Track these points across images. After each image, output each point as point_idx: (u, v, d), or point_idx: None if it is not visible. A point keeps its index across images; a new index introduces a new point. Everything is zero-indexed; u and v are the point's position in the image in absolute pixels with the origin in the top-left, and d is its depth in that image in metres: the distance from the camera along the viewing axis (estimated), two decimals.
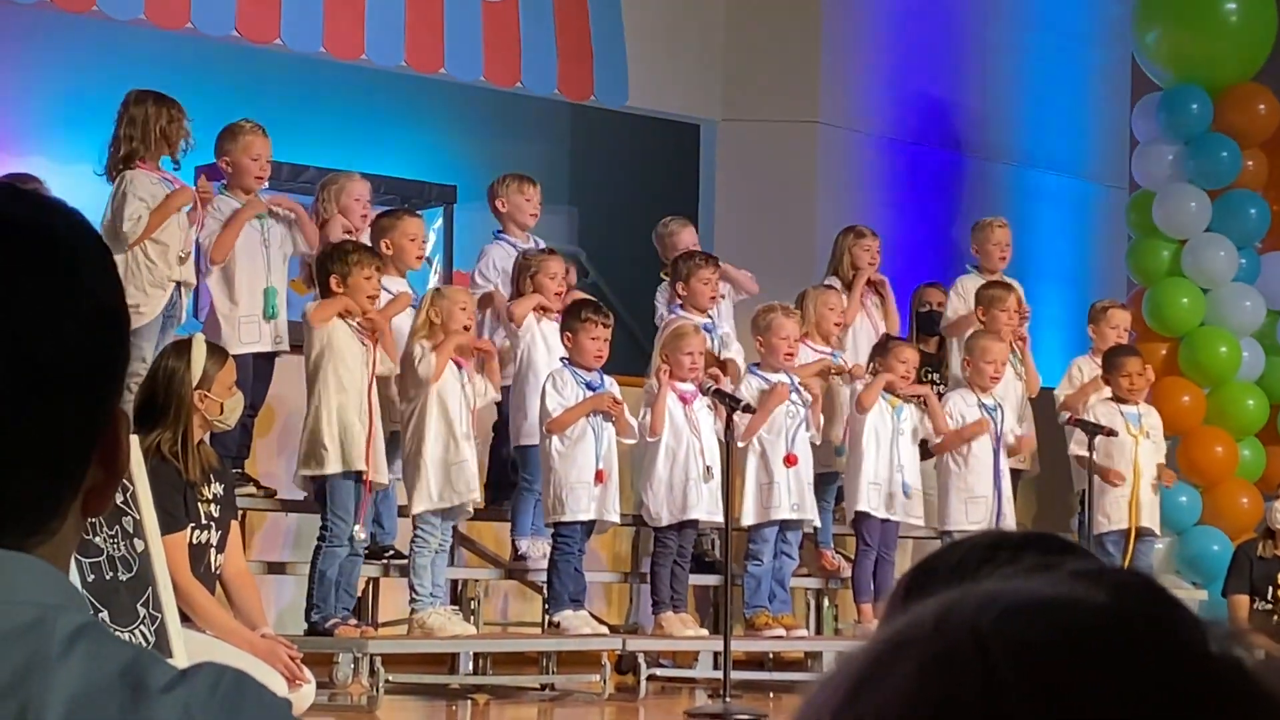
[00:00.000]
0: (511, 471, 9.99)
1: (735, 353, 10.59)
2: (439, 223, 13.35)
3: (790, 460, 10.12)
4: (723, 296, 10.77)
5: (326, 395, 8.77)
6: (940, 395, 10.92)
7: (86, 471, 1.38)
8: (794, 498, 10.15)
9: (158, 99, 8.99)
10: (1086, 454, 10.67)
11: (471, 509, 9.33)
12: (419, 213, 10.26)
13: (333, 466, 8.74)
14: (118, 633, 6.22)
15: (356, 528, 8.82)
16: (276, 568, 9.63)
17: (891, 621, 0.92)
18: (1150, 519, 11.28)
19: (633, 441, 9.76)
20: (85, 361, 1.37)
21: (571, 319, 9.54)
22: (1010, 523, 10.63)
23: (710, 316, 10.47)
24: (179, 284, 9.00)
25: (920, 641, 0.88)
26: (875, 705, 0.87)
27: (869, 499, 10.49)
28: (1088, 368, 11.46)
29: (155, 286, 8.84)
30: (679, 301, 10.48)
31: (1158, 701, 0.85)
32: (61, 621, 1.30)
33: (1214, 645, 0.88)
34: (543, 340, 9.86)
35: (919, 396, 10.64)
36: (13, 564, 1.34)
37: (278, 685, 6.86)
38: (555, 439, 9.44)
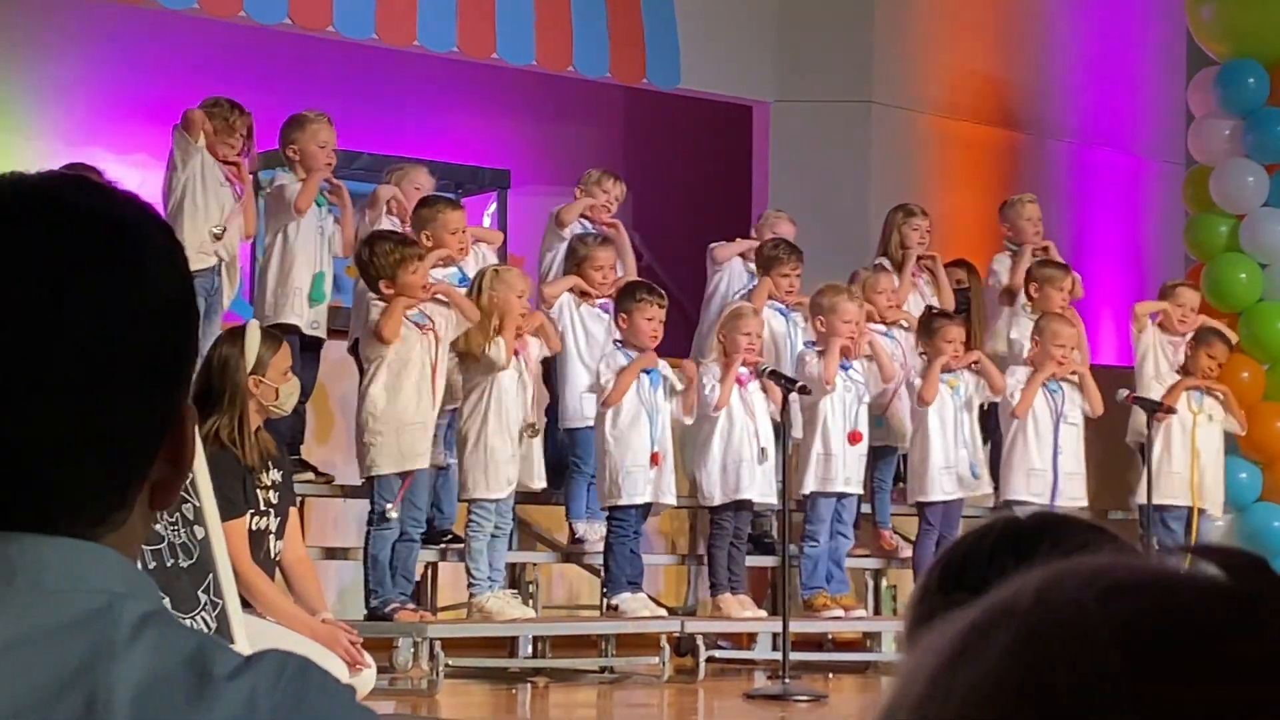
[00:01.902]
0: (564, 453, 10.01)
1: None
2: (493, 207, 13.36)
3: (855, 438, 10.16)
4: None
5: (384, 393, 8.76)
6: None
7: (152, 465, 1.39)
8: (848, 471, 10.19)
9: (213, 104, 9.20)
10: (1144, 433, 10.67)
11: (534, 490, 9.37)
12: (459, 203, 10.24)
13: (393, 465, 8.75)
14: (179, 619, 6.26)
15: (389, 506, 8.84)
16: (335, 553, 9.67)
17: (922, 615, 0.91)
18: (1211, 500, 11.25)
19: (691, 421, 9.76)
20: (152, 354, 1.38)
21: (626, 299, 9.55)
22: (1068, 500, 10.62)
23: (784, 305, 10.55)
24: (219, 264, 9.07)
25: (1021, 613, 0.86)
26: (972, 677, 0.86)
27: (943, 486, 10.46)
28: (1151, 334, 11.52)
29: (194, 249, 8.93)
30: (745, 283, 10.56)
31: (1265, 685, 0.83)
32: (128, 608, 1.31)
33: None
34: (581, 325, 9.87)
35: (973, 363, 10.61)
36: (81, 552, 1.35)
37: (338, 670, 6.89)
38: (609, 423, 9.45)
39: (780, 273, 10.48)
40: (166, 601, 6.21)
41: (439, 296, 8.91)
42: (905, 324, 10.91)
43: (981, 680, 0.85)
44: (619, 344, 9.58)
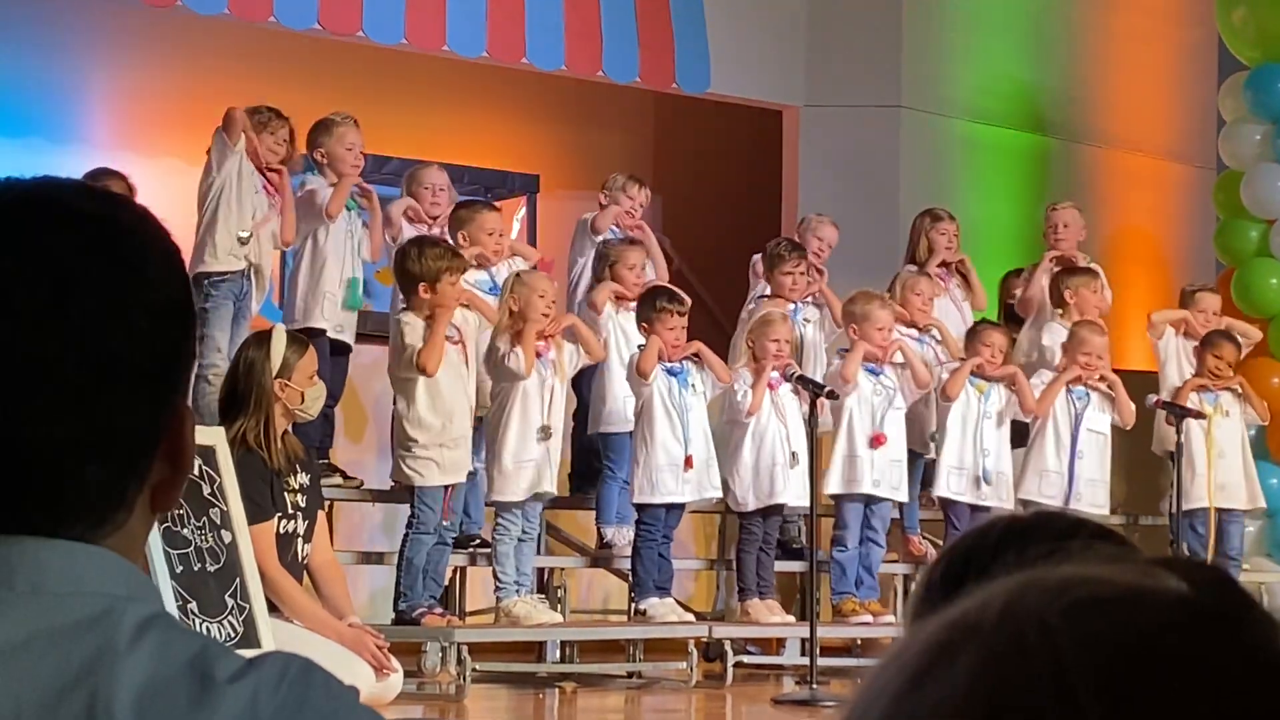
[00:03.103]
0: (595, 459, 10.01)
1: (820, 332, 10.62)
2: (522, 212, 13.37)
3: (878, 440, 10.14)
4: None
5: (419, 402, 8.75)
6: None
7: (151, 466, 1.39)
8: (876, 473, 10.16)
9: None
10: (1173, 441, 10.66)
11: (548, 497, 9.34)
12: (497, 205, 10.28)
13: (431, 479, 8.74)
14: (206, 623, 6.27)
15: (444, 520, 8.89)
16: (364, 557, 9.68)
17: (924, 613, 0.89)
18: (1240, 496, 11.21)
19: (724, 386, 9.75)
20: (151, 353, 1.38)
21: (647, 309, 9.54)
22: (1088, 506, 10.61)
23: (794, 304, 10.51)
24: (249, 268, 9.05)
25: (985, 631, 0.85)
26: (936, 699, 0.84)
27: (950, 484, 10.47)
28: (1174, 343, 11.48)
29: (225, 251, 8.93)
30: (767, 290, 10.52)
31: (1229, 704, 0.83)
32: (130, 612, 1.31)
33: None
34: (620, 331, 9.87)
35: (1008, 377, 10.58)
36: (81, 555, 1.35)
37: (366, 674, 6.90)
38: (643, 423, 9.44)
39: (783, 271, 10.45)
40: (194, 605, 6.24)
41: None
42: (937, 333, 10.85)
43: (946, 701, 0.84)
44: (642, 349, 9.56)
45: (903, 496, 10.39)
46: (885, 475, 10.25)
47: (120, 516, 1.38)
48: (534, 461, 9.11)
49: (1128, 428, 10.84)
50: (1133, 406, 10.78)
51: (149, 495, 1.40)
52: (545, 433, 9.20)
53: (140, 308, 1.38)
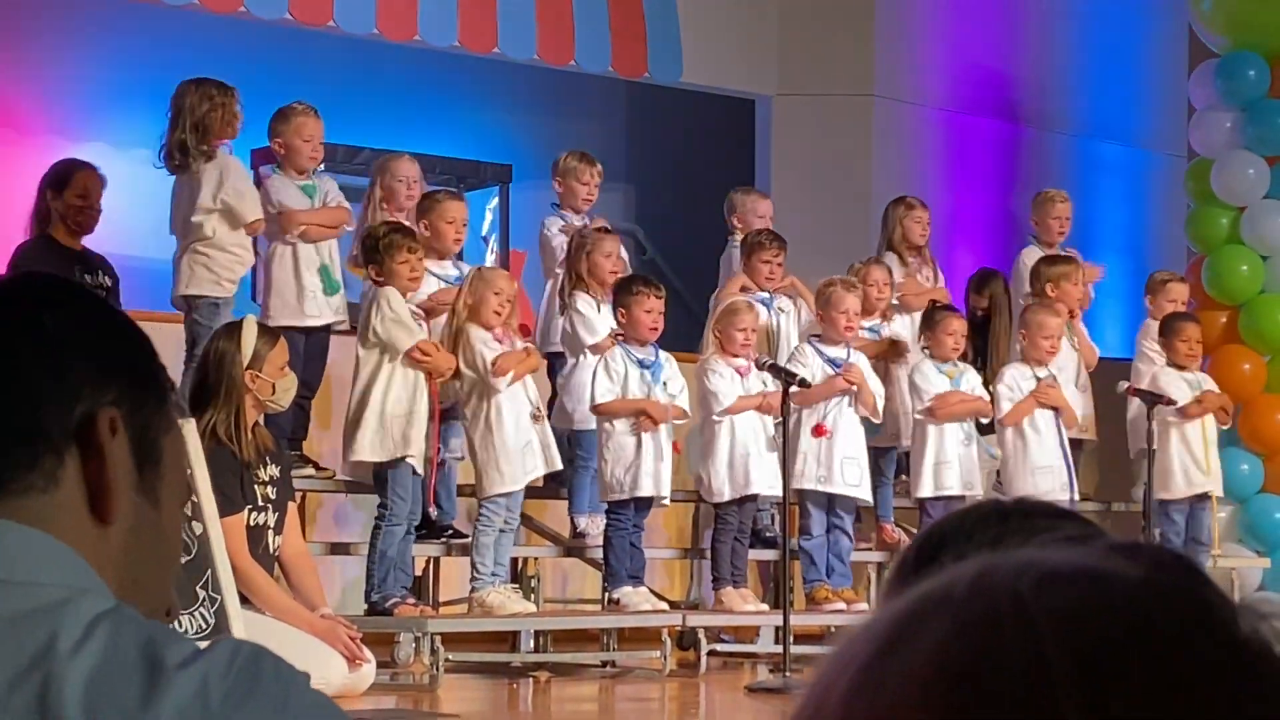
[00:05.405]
0: (568, 447, 9.99)
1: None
2: (494, 202, 13.37)
3: (819, 431, 10.06)
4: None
5: (382, 382, 8.75)
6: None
7: (33, 459, 1.41)
8: (821, 469, 10.08)
9: (200, 85, 8.98)
10: (1146, 425, 10.67)
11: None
12: (462, 195, 10.24)
13: (383, 454, 8.72)
14: (180, 615, 6.27)
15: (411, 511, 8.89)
16: (336, 548, 9.66)
17: (898, 591, 0.90)
18: (1214, 484, 11.24)
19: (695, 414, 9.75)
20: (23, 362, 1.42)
21: (624, 293, 9.52)
22: (1076, 493, 10.62)
23: (768, 292, 10.50)
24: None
25: (956, 601, 0.85)
26: (908, 663, 0.84)
27: (941, 480, 10.42)
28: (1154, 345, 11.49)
29: (230, 281, 8.86)
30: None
31: (1191, 679, 0.84)
32: (85, 604, 1.32)
33: (1244, 626, 0.87)
34: (597, 329, 9.84)
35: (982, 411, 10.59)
36: (39, 544, 1.36)
37: (338, 665, 6.90)
38: (612, 421, 9.44)
39: (762, 259, 10.44)
40: None
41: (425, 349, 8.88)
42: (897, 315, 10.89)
43: (916, 670, 0.84)
44: (620, 337, 9.56)
45: (864, 494, 10.27)
46: (840, 472, 10.10)
47: (29, 503, 1.39)
48: (529, 447, 9.10)
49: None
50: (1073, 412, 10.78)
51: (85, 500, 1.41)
52: (536, 416, 9.21)
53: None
